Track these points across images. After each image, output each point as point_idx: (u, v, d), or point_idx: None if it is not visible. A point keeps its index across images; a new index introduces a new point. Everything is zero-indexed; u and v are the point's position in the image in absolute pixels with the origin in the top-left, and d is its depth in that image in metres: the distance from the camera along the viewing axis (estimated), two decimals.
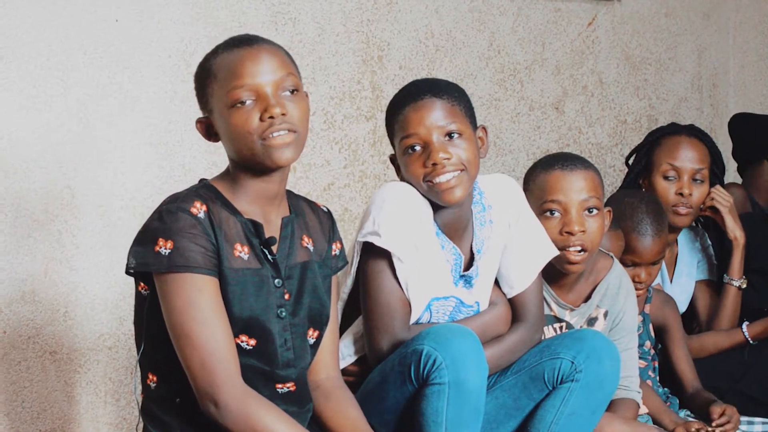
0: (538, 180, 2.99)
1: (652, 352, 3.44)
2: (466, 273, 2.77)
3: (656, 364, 3.46)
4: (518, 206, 2.84)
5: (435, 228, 2.74)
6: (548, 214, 2.95)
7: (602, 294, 3.07)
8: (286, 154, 2.36)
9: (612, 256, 3.12)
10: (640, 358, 3.36)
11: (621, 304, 3.07)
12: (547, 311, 3.01)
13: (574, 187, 2.95)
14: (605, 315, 3.07)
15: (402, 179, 2.74)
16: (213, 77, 2.39)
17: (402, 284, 2.69)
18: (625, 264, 3.28)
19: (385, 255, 2.67)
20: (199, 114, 2.46)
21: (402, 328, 2.69)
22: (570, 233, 2.92)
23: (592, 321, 3.06)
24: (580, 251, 2.94)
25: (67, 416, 3.37)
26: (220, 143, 2.45)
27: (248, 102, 2.35)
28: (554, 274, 3.00)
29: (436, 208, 2.73)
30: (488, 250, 2.80)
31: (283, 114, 2.34)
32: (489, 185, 2.84)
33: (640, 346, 3.37)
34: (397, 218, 2.66)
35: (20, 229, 3.25)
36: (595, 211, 2.95)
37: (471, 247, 2.79)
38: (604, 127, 4.53)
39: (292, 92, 2.38)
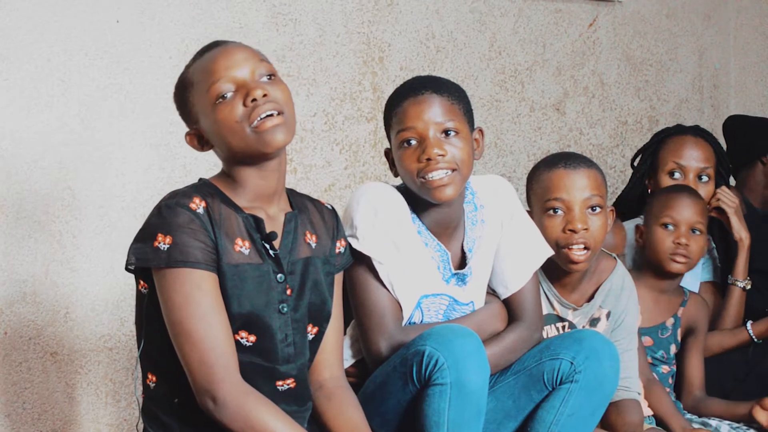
0: (542, 178, 3.00)
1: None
2: (459, 271, 2.77)
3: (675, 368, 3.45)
4: (511, 206, 2.84)
5: (417, 226, 2.74)
6: (551, 212, 2.96)
7: (605, 294, 3.07)
8: (278, 136, 2.37)
9: (615, 257, 3.12)
10: (664, 362, 3.36)
11: (623, 305, 3.08)
12: (549, 310, 3.02)
13: (577, 186, 2.95)
14: (608, 315, 3.07)
15: (395, 174, 2.75)
16: (191, 85, 2.43)
17: (387, 285, 2.69)
18: (664, 226, 3.32)
19: (367, 257, 2.68)
20: None
21: (396, 328, 2.69)
22: (573, 231, 2.93)
23: (594, 321, 3.06)
24: (583, 249, 2.94)
25: (68, 417, 3.37)
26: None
27: (229, 94, 2.38)
28: (557, 273, 3.01)
29: (425, 205, 2.73)
30: (480, 249, 2.81)
31: (264, 95, 2.36)
32: (482, 185, 2.85)
33: (662, 350, 3.36)
34: (373, 220, 2.67)
35: (21, 230, 3.25)
36: (598, 210, 2.96)
37: (462, 246, 2.79)
38: (605, 128, 4.53)
39: (269, 77, 2.40)
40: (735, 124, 4.16)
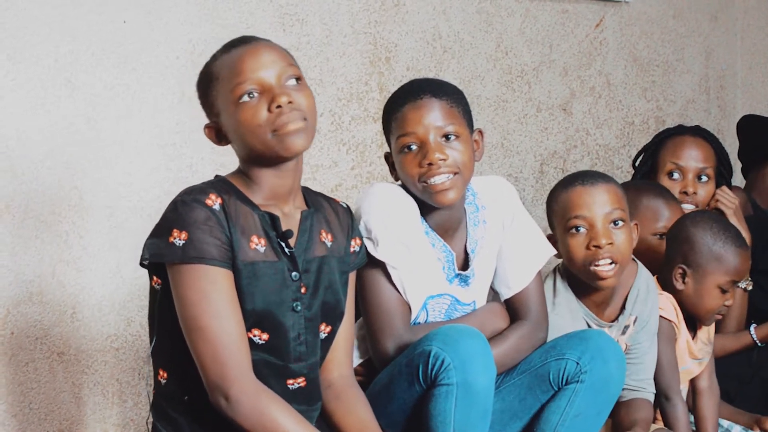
0: (561, 199, 2.97)
1: None
2: (462, 272, 2.77)
3: None
4: (512, 207, 2.84)
5: (424, 227, 2.74)
6: (574, 230, 2.93)
7: (634, 301, 3.04)
8: (298, 141, 2.37)
9: (636, 261, 3.09)
10: None
11: (649, 308, 3.06)
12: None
13: (597, 201, 2.92)
14: (635, 321, 3.06)
15: (396, 178, 2.75)
16: (216, 79, 2.41)
17: (399, 289, 2.69)
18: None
19: (380, 261, 2.68)
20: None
21: (405, 329, 2.69)
22: (598, 247, 2.89)
23: (625, 329, 3.05)
24: (610, 264, 2.91)
25: (75, 417, 3.37)
26: (228, 147, 2.46)
27: (254, 96, 2.37)
28: (588, 292, 2.98)
29: (428, 208, 2.73)
30: (482, 249, 2.81)
31: (290, 102, 2.36)
32: (483, 186, 2.84)
33: None
34: (387, 222, 2.67)
35: (28, 230, 3.26)
36: (620, 223, 2.92)
37: (465, 247, 2.79)
38: (611, 129, 4.52)
39: (296, 81, 2.40)
40: (748, 124, 4.15)
